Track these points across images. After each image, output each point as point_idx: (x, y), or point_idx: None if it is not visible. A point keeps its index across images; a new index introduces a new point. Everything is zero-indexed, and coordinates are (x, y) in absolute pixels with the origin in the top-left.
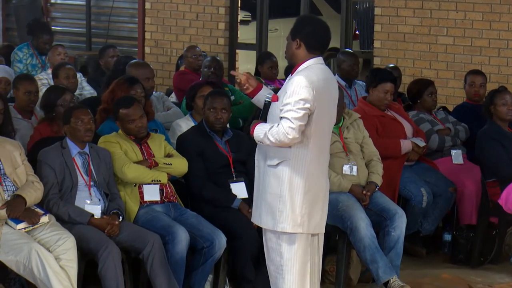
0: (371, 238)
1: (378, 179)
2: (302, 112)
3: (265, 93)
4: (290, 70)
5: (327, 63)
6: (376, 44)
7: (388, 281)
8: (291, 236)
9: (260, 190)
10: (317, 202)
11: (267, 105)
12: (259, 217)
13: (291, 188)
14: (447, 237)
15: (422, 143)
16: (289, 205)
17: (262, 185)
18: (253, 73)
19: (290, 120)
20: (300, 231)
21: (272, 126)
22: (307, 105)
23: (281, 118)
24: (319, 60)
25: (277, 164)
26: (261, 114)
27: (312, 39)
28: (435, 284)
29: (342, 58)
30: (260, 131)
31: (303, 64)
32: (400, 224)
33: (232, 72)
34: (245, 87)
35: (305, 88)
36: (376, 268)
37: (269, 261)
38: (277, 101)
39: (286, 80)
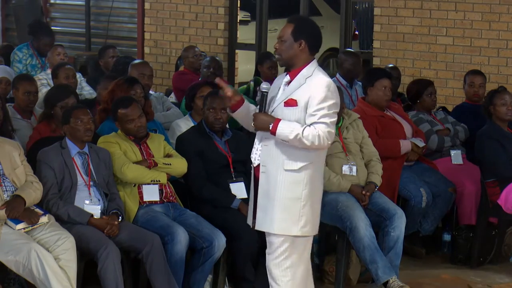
0: (371, 238)
1: (377, 179)
2: (335, 117)
3: (246, 108)
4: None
5: (327, 63)
6: (376, 44)
7: (387, 281)
8: (307, 239)
9: (273, 196)
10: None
11: (265, 96)
12: (270, 224)
13: (311, 192)
14: (447, 237)
15: (421, 144)
16: (310, 209)
17: (275, 190)
18: (252, 73)
19: (329, 125)
20: (315, 233)
21: (304, 128)
22: (337, 110)
23: (316, 122)
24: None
25: (300, 168)
26: (260, 106)
27: (314, 40)
28: (434, 284)
29: (344, 57)
30: (288, 131)
31: (309, 66)
32: (399, 224)
33: (217, 80)
34: (230, 102)
35: (335, 92)
36: (375, 268)
37: (273, 266)
38: (296, 105)
39: (296, 83)
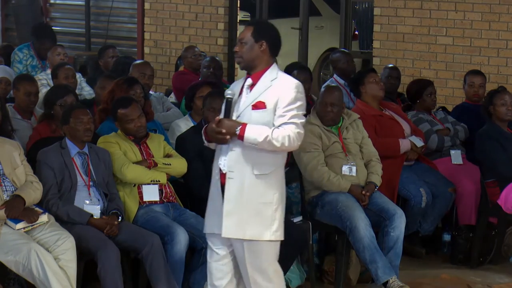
0: (371, 238)
1: (377, 179)
2: (304, 118)
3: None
4: (289, 70)
5: (326, 64)
6: (376, 44)
7: (387, 281)
8: (277, 243)
9: (243, 201)
10: None
11: (230, 102)
12: (243, 230)
13: (281, 195)
14: (446, 237)
15: (420, 143)
16: (280, 213)
17: (245, 196)
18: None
19: (298, 126)
20: (283, 238)
21: (273, 130)
22: (305, 111)
23: (286, 123)
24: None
25: (270, 172)
26: (225, 112)
27: (275, 42)
28: (434, 284)
29: (337, 58)
30: (257, 134)
31: (271, 69)
32: (399, 224)
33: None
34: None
35: (303, 93)
36: (375, 268)
37: (254, 272)
38: (265, 107)
39: (262, 86)
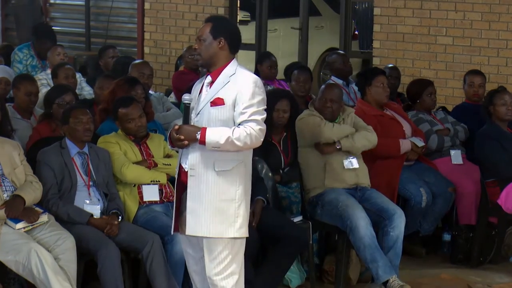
0: (371, 237)
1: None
2: (265, 113)
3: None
4: (289, 70)
5: (326, 63)
6: (375, 44)
7: (387, 281)
8: (242, 240)
9: (205, 199)
10: None
11: (188, 107)
12: (206, 228)
13: (244, 191)
14: (447, 237)
15: (421, 143)
16: (244, 209)
17: (207, 193)
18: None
19: (259, 122)
20: (247, 235)
21: (234, 130)
22: (265, 106)
23: (246, 120)
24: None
25: (232, 168)
26: (184, 118)
27: (234, 38)
28: (434, 284)
29: (333, 59)
30: (218, 137)
31: (230, 65)
32: (399, 224)
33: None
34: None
35: (262, 87)
36: (376, 267)
37: (212, 273)
38: (223, 104)
39: (220, 82)
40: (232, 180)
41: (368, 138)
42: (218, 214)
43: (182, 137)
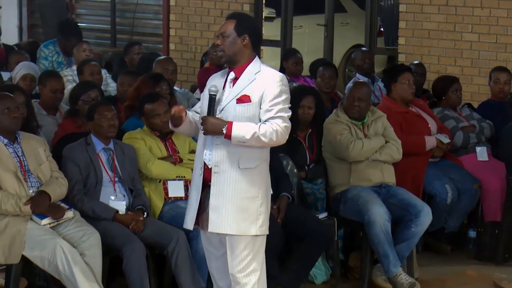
0: (386, 234)
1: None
2: (290, 111)
3: (189, 118)
4: (315, 66)
5: (351, 60)
6: (401, 41)
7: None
8: (264, 238)
9: (228, 196)
10: None
11: (214, 98)
12: (229, 225)
13: (266, 190)
14: (472, 233)
15: (446, 140)
16: (266, 207)
17: (231, 190)
18: (278, 70)
19: (285, 119)
20: (268, 233)
21: (260, 126)
22: (290, 104)
23: (272, 117)
24: None
25: (256, 166)
26: (209, 109)
27: (257, 36)
28: (459, 280)
29: (353, 56)
30: (244, 131)
31: (254, 62)
32: (424, 221)
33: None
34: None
35: (287, 85)
36: (387, 263)
37: (235, 270)
38: (250, 101)
39: (245, 80)
40: (256, 178)
41: (393, 156)
42: (241, 211)
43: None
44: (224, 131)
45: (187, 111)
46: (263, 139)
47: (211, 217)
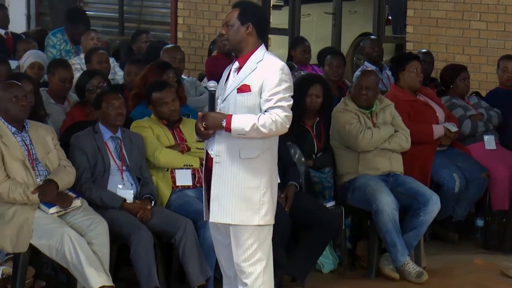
0: (394, 223)
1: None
2: (291, 100)
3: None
4: (323, 55)
5: (359, 49)
6: (409, 29)
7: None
8: (269, 228)
9: (230, 186)
10: None
11: (214, 94)
12: (231, 215)
13: (270, 179)
14: (480, 222)
15: (454, 128)
16: (269, 196)
17: (232, 180)
18: (286, 58)
19: (285, 109)
20: (273, 222)
21: (259, 117)
22: (292, 92)
23: (272, 107)
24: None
25: (257, 156)
26: (210, 105)
27: (262, 24)
28: (467, 269)
29: (362, 45)
30: (243, 123)
31: (258, 50)
32: (432, 210)
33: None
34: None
35: (288, 74)
36: (395, 252)
37: (240, 259)
38: (250, 91)
39: (247, 69)
40: (258, 168)
41: (401, 145)
42: (243, 201)
43: (203, 128)
44: (224, 124)
45: None
46: (263, 130)
47: (212, 207)
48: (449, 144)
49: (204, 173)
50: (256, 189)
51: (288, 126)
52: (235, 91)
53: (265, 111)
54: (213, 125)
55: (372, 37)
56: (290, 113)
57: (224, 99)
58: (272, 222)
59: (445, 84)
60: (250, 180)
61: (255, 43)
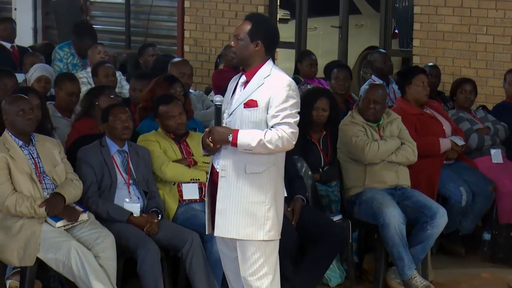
0: (401, 237)
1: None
2: (298, 116)
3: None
4: (329, 68)
5: (366, 62)
6: (416, 42)
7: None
8: (275, 243)
9: (235, 200)
10: None
11: (220, 109)
12: (236, 230)
13: (275, 195)
14: (486, 236)
15: (461, 142)
16: (274, 212)
17: (237, 195)
18: (292, 72)
19: (292, 125)
20: (279, 237)
21: (266, 133)
22: (299, 109)
23: (278, 123)
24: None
25: (263, 171)
26: (216, 119)
27: (272, 42)
28: (474, 283)
29: (373, 58)
30: (250, 139)
31: (266, 65)
32: (439, 223)
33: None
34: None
35: (296, 90)
36: (402, 265)
37: (246, 273)
38: (257, 106)
39: (254, 84)
40: (263, 183)
41: (408, 158)
42: (247, 216)
43: (211, 144)
44: (230, 139)
45: None
46: (269, 145)
47: (217, 221)
48: (456, 158)
49: (209, 186)
50: (261, 204)
51: (294, 142)
52: (242, 105)
53: (272, 127)
54: (220, 139)
55: (382, 50)
56: (296, 130)
57: (231, 114)
58: (277, 237)
59: (451, 96)
60: (255, 195)
61: (263, 58)
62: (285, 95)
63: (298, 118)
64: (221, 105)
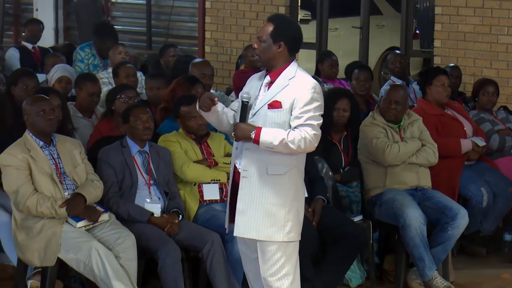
0: (422, 238)
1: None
2: (321, 119)
3: (220, 110)
4: (350, 69)
5: (386, 63)
6: (437, 43)
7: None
8: (296, 244)
9: (256, 201)
10: None
11: (246, 105)
12: (256, 230)
13: (295, 196)
14: (507, 237)
15: (482, 143)
16: (295, 214)
17: (258, 196)
18: (313, 72)
19: (315, 127)
20: (299, 239)
21: (289, 133)
22: (322, 111)
23: (302, 125)
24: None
25: (284, 173)
26: (241, 116)
27: (294, 42)
28: (494, 284)
29: (392, 59)
30: (272, 137)
31: (290, 67)
32: (460, 224)
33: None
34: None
35: (320, 93)
36: (422, 266)
37: (267, 274)
38: (281, 107)
39: (279, 85)
40: (284, 185)
41: (429, 160)
42: (268, 217)
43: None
44: (253, 136)
45: (220, 103)
46: (291, 146)
47: (237, 221)
48: (477, 159)
49: (230, 186)
50: (282, 206)
51: (316, 144)
52: (266, 106)
53: (295, 128)
54: (242, 135)
55: (396, 51)
56: (319, 132)
57: (254, 114)
58: (298, 239)
59: (473, 97)
60: (276, 197)
61: (287, 59)
62: (310, 97)
63: (321, 121)
64: (247, 101)
